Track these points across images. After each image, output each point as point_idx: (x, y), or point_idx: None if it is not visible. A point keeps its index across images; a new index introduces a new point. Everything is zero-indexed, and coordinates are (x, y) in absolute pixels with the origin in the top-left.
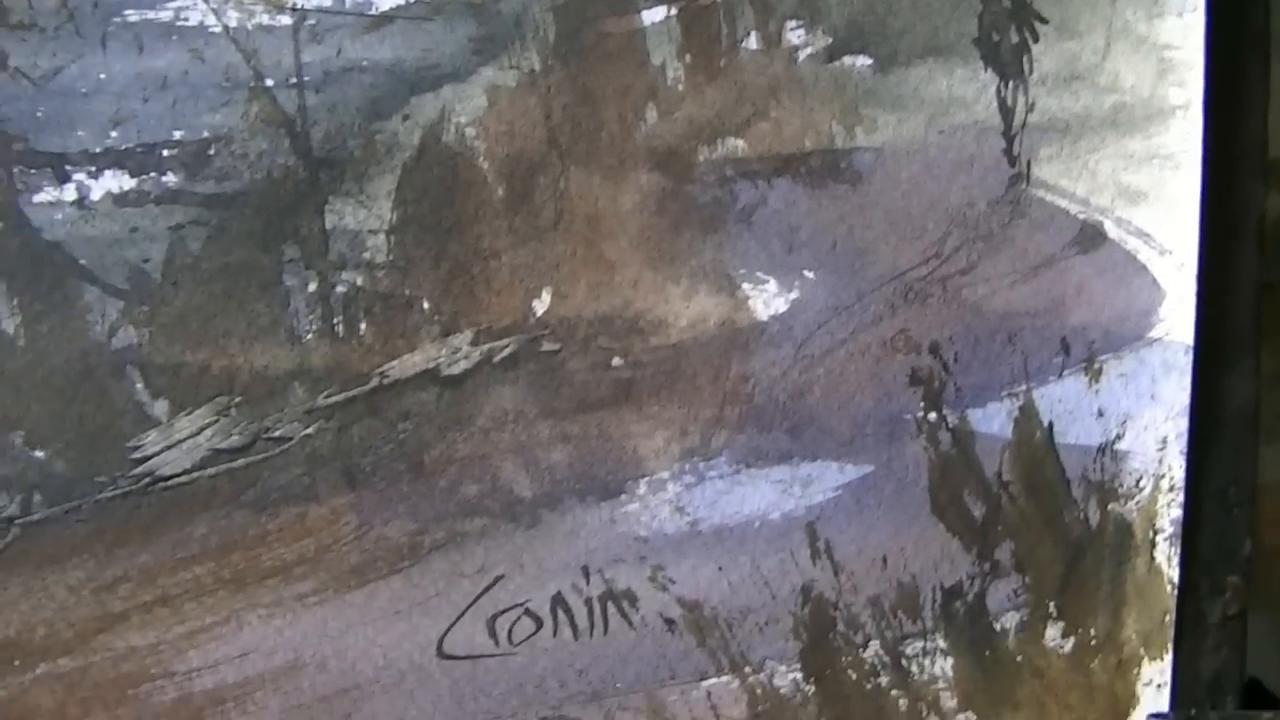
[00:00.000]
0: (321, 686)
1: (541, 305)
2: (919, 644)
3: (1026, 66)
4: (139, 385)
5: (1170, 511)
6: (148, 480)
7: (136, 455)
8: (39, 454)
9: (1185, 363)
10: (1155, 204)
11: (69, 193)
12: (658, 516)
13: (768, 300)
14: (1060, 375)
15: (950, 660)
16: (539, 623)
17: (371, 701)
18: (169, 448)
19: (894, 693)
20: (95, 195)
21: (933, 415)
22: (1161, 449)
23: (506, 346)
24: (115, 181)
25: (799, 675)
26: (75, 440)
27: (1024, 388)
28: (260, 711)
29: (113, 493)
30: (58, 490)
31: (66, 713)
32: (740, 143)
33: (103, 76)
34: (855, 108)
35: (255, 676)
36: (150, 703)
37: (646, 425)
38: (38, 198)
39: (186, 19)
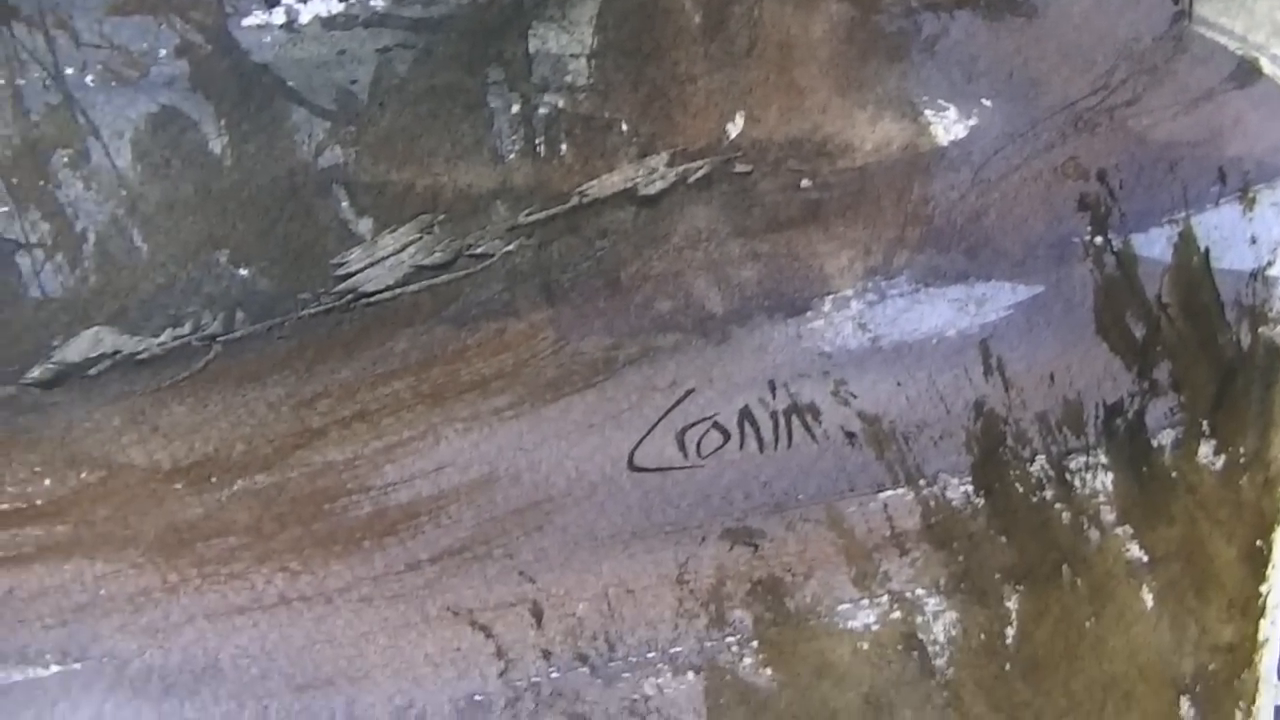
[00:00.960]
0: (515, 499)
1: (735, 128)
2: (1082, 459)
3: None
4: (344, 204)
5: None
6: (350, 297)
7: (340, 272)
8: (243, 272)
9: None
10: None
11: (278, 16)
12: (841, 333)
13: (948, 126)
14: (1216, 203)
15: (1110, 475)
16: (726, 436)
17: (563, 513)
18: (372, 264)
19: (1057, 506)
20: (304, 19)
21: (1099, 239)
22: None
23: (701, 168)
24: (323, 5)
25: (970, 488)
26: (279, 258)
27: (1183, 214)
28: (454, 525)
29: (315, 309)
30: (261, 307)
31: (262, 528)
32: None
33: None
34: None
35: (450, 490)
36: (345, 517)
37: (832, 245)
38: (246, 21)
39: None
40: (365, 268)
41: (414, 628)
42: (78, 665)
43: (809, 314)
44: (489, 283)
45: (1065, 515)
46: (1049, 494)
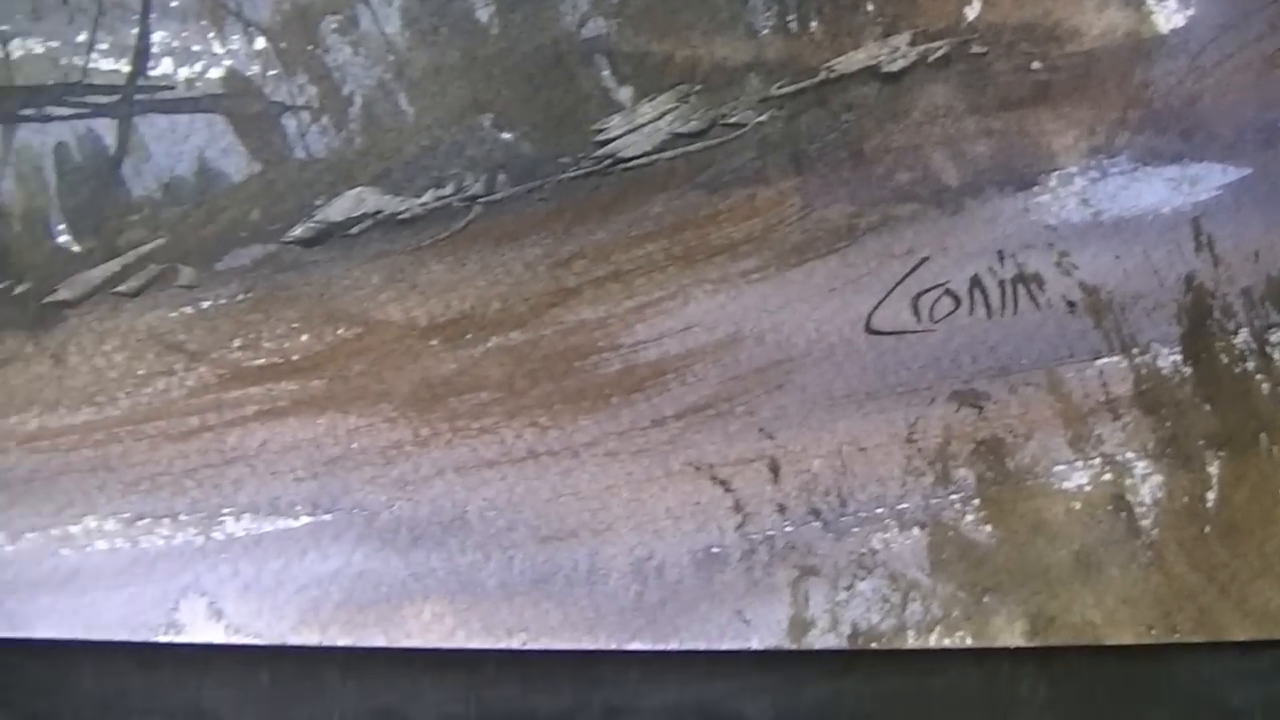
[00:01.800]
0: (758, 358)
1: (972, 11)
2: None
3: None
4: (606, 72)
5: None
6: (609, 161)
7: (600, 138)
8: (506, 136)
9: None
10: None
11: None
12: (1065, 207)
13: (1168, 15)
14: None
15: None
16: (957, 302)
17: (803, 372)
18: (631, 131)
19: (1258, 377)
20: None
21: None
22: None
23: (940, 48)
24: None
25: (1178, 357)
26: (542, 123)
27: None
28: (699, 382)
29: (575, 173)
30: (522, 170)
31: (514, 384)
32: None
33: None
34: None
35: (697, 349)
36: (595, 374)
37: (1059, 124)
38: None
39: None
40: (624, 134)
41: (656, 482)
42: (328, 516)
43: (1036, 188)
44: (741, 151)
45: (1265, 386)
46: (1250, 365)
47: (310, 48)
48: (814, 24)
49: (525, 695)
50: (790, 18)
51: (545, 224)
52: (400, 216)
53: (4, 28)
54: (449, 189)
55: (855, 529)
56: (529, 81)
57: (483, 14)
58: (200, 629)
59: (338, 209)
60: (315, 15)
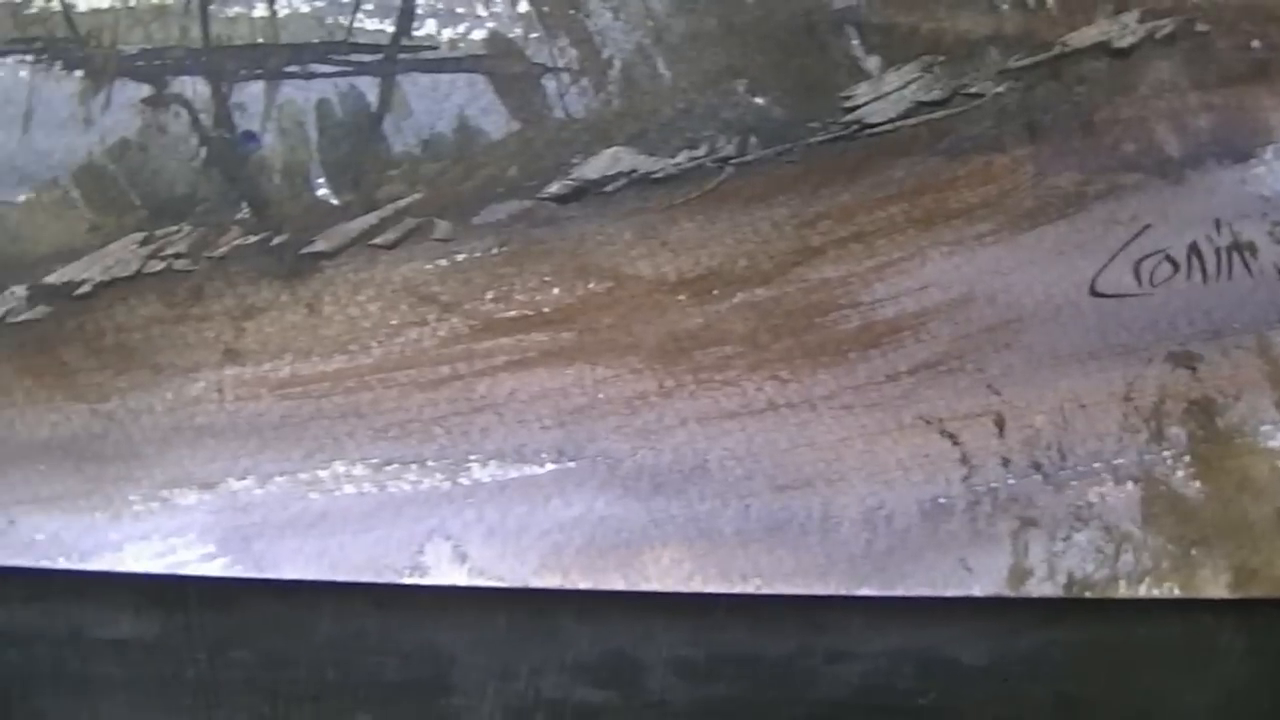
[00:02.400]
0: (988, 318)
1: None
2: None
3: None
4: (855, 42)
5: None
6: (856, 127)
7: (847, 105)
8: (759, 100)
9: None
10: None
11: None
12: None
13: None
14: None
15: None
16: (1176, 267)
17: (1029, 332)
18: (877, 99)
19: None
20: None
21: None
22: None
23: (1166, 25)
24: None
25: None
26: (793, 89)
27: None
28: (932, 340)
29: (822, 137)
30: (772, 133)
31: (757, 338)
32: None
33: None
34: None
35: (931, 307)
36: (834, 330)
37: (1276, 100)
38: None
39: None
40: (870, 101)
41: (888, 434)
42: (572, 464)
43: (1252, 160)
44: (979, 120)
45: None
46: None
47: (572, 12)
48: (1050, 0)
49: (752, 639)
50: None
51: (793, 185)
52: (654, 176)
53: None
54: (702, 150)
55: (1073, 482)
56: (782, 49)
57: None
58: (445, 572)
59: (594, 167)
60: None
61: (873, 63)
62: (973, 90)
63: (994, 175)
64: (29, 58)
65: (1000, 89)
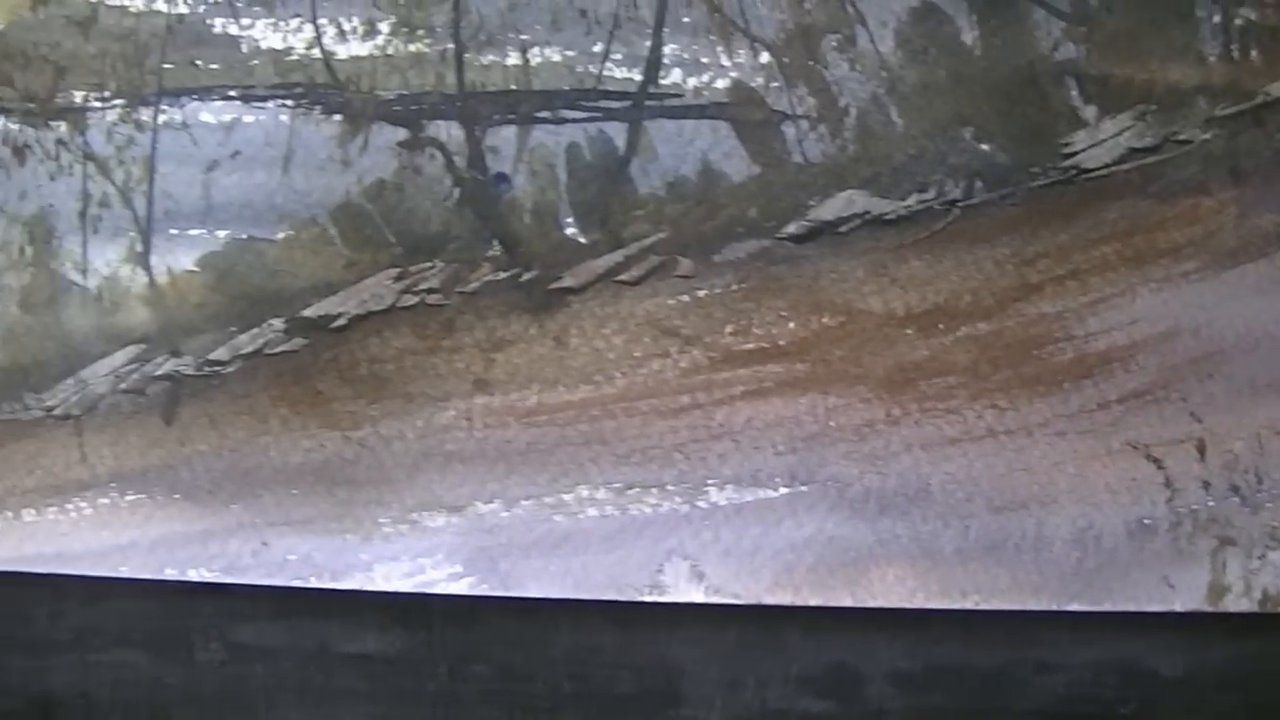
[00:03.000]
0: (1192, 350)
1: None
2: None
3: None
4: (1074, 92)
5: None
6: (1073, 172)
7: (1066, 151)
8: (984, 147)
9: None
10: None
11: None
12: None
13: None
14: None
15: None
16: None
17: (1230, 363)
18: (1093, 146)
19: None
20: None
21: None
22: None
23: None
24: None
25: None
26: (1016, 136)
27: None
28: (1140, 370)
29: (1043, 182)
30: (996, 178)
31: (978, 369)
32: None
33: None
34: None
35: (1140, 340)
36: (1050, 361)
37: None
38: None
39: None
40: (1087, 148)
41: (1098, 459)
42: (804, 488)
43: None
44: (1187, 165)
45: None
46: None
47: (810, 63)
48: (1254, 52)
49: (965, 652)
50: (1234, 46)
51: (1014, 226)
52: (886, 217)
53: (524, 37)
54: (931, 193)
55: (1269, 504)
56: (1006, 98)
57: (968, 37)
58: (683, 590)
59: (829, 209)
60: (817, 33)
61: (1090, 112)
62: (1182, 137)
63: (1200, 216)
64: (289, 102)
65: (1207, 136)
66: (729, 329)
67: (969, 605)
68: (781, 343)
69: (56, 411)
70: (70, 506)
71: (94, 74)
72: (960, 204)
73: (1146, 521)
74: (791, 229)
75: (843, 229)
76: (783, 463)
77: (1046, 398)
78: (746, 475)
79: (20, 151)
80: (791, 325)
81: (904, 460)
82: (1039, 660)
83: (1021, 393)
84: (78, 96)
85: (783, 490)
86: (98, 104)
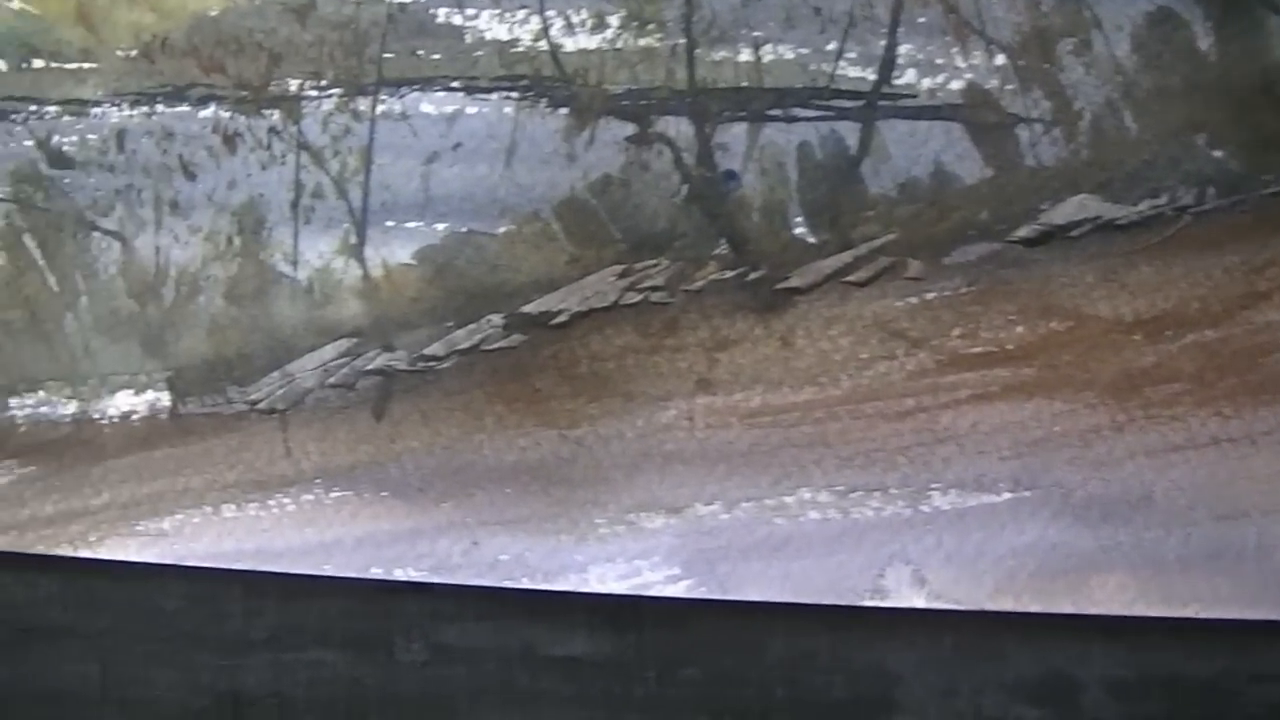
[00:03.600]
0: None
1: None
2: None
3: None
4: None
5: None
6: None
7: None
8: (1217, 153)
9: None
10: None
11: None
12: None
13: None
14: None
15: None
16: None
17: None
18: None
19: None
20: None
21: None
22: None
23: None
24: None
25: None
26: (1249, 143)
27: None
28: None
29: (1275, 189)
30: (1228, 185)
31: (1204, 377)
32: None
33: None
34: None
35: None
36: (1276, 370)
37: None
38: None
39: None
40: None
41: None
42: (1028, 493)
43: None
44: None
45: None
46: None
47: (1046, 66)
48: None
49: (1182, 661)
50: None
51: (1245, 234)
52: (1117, 222)
53: (757, 33)
54: (1163, 199)
55: None
56: (1240, 105)
57: (1203, 43)
58: (904, 595)
59: (1061, 213)
60: (1053, 36)
61: None
62: None
63: None
64: (514, 95)
65: None
66: (956, 332)
67: (1189, 613)
68: (1009, 347)
69: (261, 405)
70: (272, 502)
71: (310, 62)
72: (1191, 210)
73: None
74: (1023, 232)
75: (1074, 233)
76: (1007, 468)
77: (1272, 406)
78: (970, 480)
79: (230, 140)
80: (1019, 329)
81: (1128, 467)
82: (1255, 670)
83: (1247, 400)
84: (292, 85)
85: (1006, 495)
86: (313, 93)
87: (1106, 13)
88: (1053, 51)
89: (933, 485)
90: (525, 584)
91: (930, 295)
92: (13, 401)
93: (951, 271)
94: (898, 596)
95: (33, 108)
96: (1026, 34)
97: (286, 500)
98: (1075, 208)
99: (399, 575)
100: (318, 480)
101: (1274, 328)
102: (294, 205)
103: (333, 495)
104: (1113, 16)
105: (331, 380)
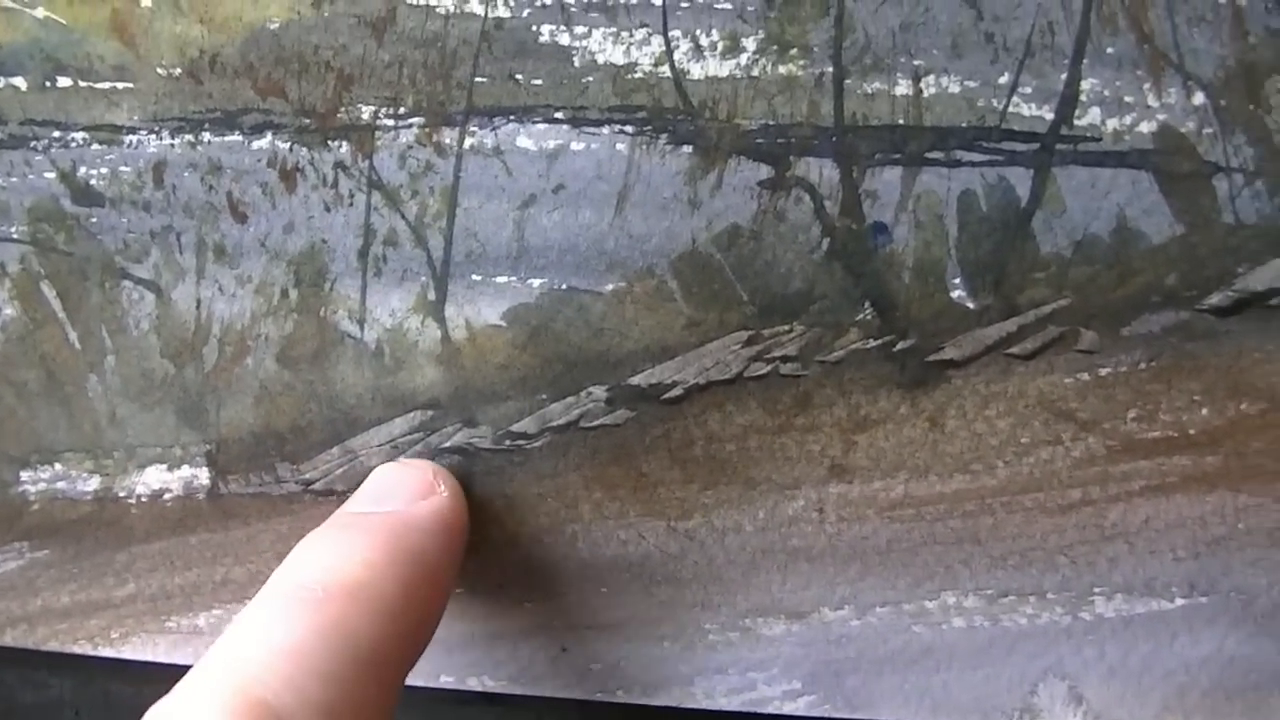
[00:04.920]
0: None
1: None
2: None
3: None
4: None
5: None
6: None
7: None
8: None
9: None
10: None
11: None
12: None
13: None
14: None
15: None
16: None
17: None
18: None
19: None
20: None
21: None
22: None
23: None
24: None
25: None
26: None
27: None
28: None
29: None
30: None
31: None
32: None
33: None
34: None
35: None
36: None
37: None
38: None
39: None
40: None
41: None
42: (1204, 599)
43: None
44: None
45: None
46: None
47: (1252, 107)
48: None
49: None
50: None
51: None
52: None
53: (918, 62)
54: None
55: None
56: None
57: None
58: (1058, 714)
59: (1261, 278)
60: (1261, 72)
61: None
62: None
63: None
64: (629, 128)
65: None
66: (1132, 414)
67: None
68: (1191, 431)
69: (316, 486)
70: None
71: (387, 86)
72: None
73: None
74: (1215, 300)
75: (1274, 302)
76: (1181, 569)
77: None
78: (1139, 583)
79: (290, 175)
80: (1205, 411)
81: None
82: None
83: None
84: (365, 112)
85: (1179, 601)
86: (390, 122)
87: None
88: (1260, 90)
89: (1096, 589)
90: (620, 698)
91: (1104, 371)
92: (24, 475)
93: (1130, 344)
94: (1051, 715)
95: (56, 134)
96: (1231, 69)
97: None
98: (1277, 272)
99: (472, 684)
100: None
101: None
102: (362, 254)
103: None
104: None
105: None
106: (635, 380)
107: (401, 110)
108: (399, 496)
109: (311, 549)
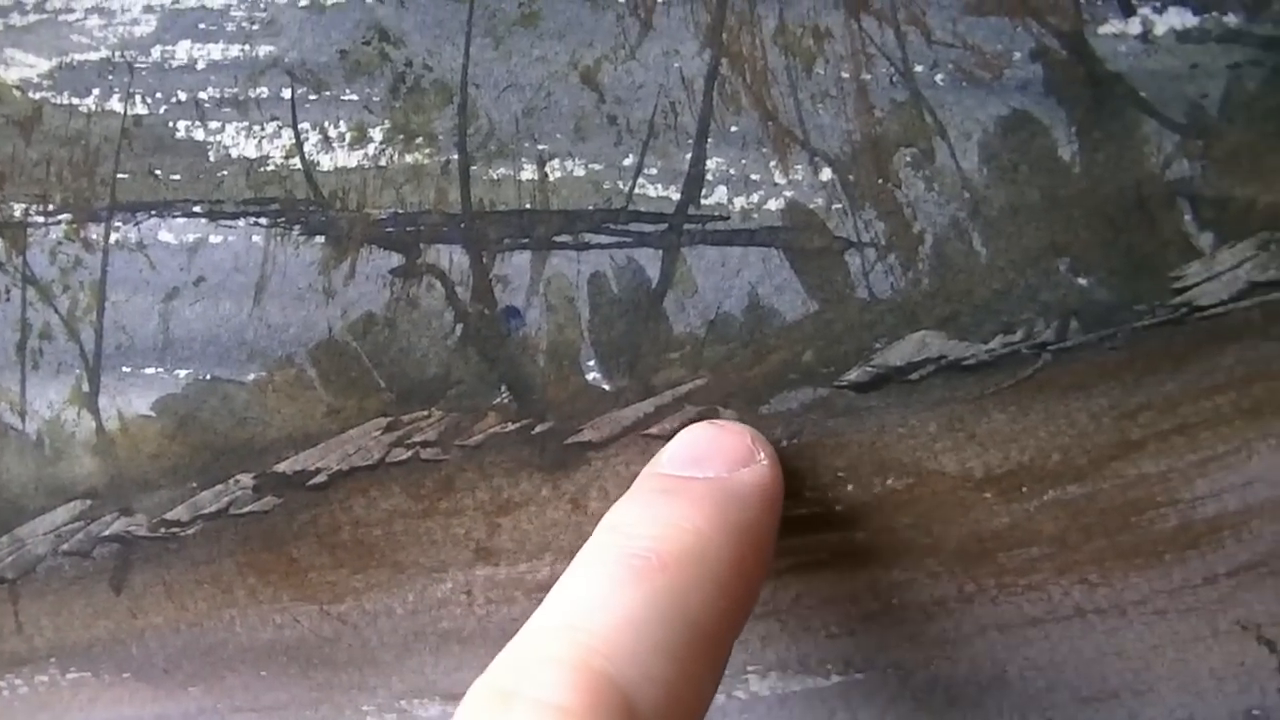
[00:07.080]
0: None
1: None
2: None
3: None
4: (1187, 217)
5: None
6: (1184, 310)
7: (1177, 285)
8: (1082, 281)
9: None
10: None
11: (1133, 26)
12: None
13: None
14: None
15: None
16: None
17: None
18: (1209, 279)
19: None
20: (1159, 30)
21: None
22: None
23: None
24: (1179, 18)
25: None
26: (1119, 268)
27: None
28: (1254, 540)
29: (1149, 321)
30: (1095, 317)
31: (1067, 539)
32: None
33: None
34: None
35: (1255, 505)
36: (1150, 530)
37: None
38: (1102, 29)
39: None
40: (1201, 282)
41: (1202, 641)
42: (859, 675)
43: None
44: None
45: None
46: None
47: (880, 181)
48: None
49: None
50: None
51: (1115, 374)
52: (964, 362)
53: (542, 147)
54: (1018, 335)
55: None
56: (1110, 225)
57: (1065, 152)
58: None
59: (898, 353)
60: (888, 146)
61: (1206, 239)
62: None
63: None
64: (264, 220)
65: None
66: None
67: None
68: (838, 508)
69: None
70: (3, 683)
71: (36, 183)
72: (1052, 347)
73: (1255, 713)
74: (853, 376)
75: (913, 376)
76: (836, 646)
77: (1145, 571)
78: (794, 660)
79: None
80: (850, 488)
81: (976, 644)
82: None
83: (1116, 566)
84: (17, 210)
85: (835, 678)
86: (40, 219)
87: (952, 117)
88: (888, 164)
89: (750, 668)
90: None
91: None
92: None
93: (770, 422)
94: None
95: None
96: (857, 144)
97: (18, 681)
98: (915, 346)
99: None
100: (53, 659)
101: (1148, 481)
102: (20, 348)
103: (69, 676)
104: (959, 122)
105: (65, 547)
106: (280, 467)
107: (50, 207)
108: (719, 462)
109: (635, 512)
